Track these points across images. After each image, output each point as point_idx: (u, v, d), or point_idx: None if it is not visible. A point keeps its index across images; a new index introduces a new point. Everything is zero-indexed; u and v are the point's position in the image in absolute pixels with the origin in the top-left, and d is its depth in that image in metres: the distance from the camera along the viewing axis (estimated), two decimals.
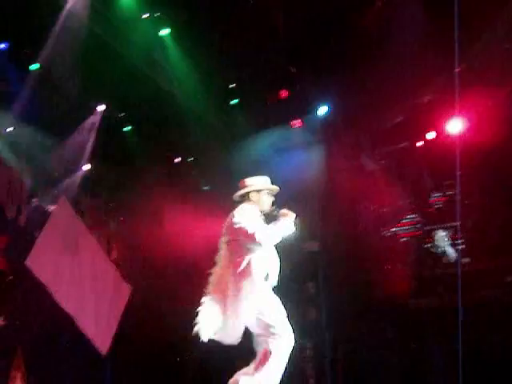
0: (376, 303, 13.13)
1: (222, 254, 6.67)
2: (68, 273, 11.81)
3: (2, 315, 10.66)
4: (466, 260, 13.09)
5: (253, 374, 6.47)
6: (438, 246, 13.60)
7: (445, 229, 13.57)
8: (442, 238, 13.61)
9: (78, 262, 12.09)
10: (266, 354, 6.44)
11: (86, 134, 12.69)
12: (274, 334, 6.43)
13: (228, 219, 6.65)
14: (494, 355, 12.21)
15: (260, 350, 6.53)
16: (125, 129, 13.68)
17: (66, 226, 12.02)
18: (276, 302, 6.63)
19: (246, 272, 6.36)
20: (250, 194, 6.69)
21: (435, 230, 13.66)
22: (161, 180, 13.69)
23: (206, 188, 14.64)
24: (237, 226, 6.38)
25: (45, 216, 11.89)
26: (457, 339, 10.85)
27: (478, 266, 12.73)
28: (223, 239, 6.69)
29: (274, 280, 6.63)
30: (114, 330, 12.49)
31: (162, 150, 14.14)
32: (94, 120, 12.65)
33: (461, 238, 13.27)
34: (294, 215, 6.64)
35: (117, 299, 12.84)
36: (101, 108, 12.72)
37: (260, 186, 6.77)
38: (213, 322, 6.53)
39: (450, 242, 13.54)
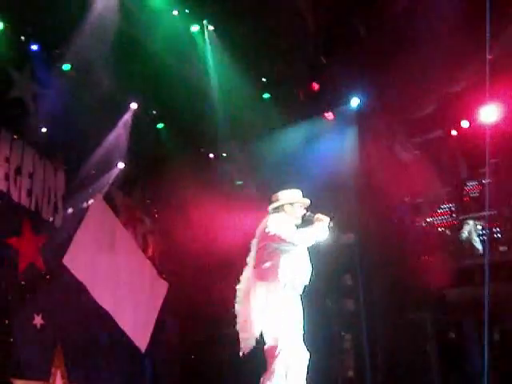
0: (413, 294, 13.06)
1: (252, 255, 6.78)
2: (105, 270, 11.89)
3: (41, 313, 10.75)
4: (503, 249, 12.96)
5: None
6: (465, 237, 13.51)
7: (477, 218, 13.46)
8: (470, 228, 13.51)
9: (115, 260, 12.17)
10: (269, 371, 6.44)
11: (120, 132, 12.74)
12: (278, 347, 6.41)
13: (261, 225, 6.80)
14: None
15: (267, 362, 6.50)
16: (158, 126, 13.71)
17: (101, 224, 12.11)
18: (294, 315, 6.60)
19: (268, 274, 6.53)
20: (284, 207, 6.87)
21: (465, 219, 13.56)
22: (195, 176, 13.71)
23: (239, 183, 14.64)
24: (270, 231, 6.54)
25: (81, 214, 11.96)
26: (488, 329, 10.80)
27: None
28: (254, 242, 6.81)
29: (300, 287, 6.70)
30: (152, 327, 12.56)
31: (195, 146, 14.17)
32: (127, 118, 12.71)
33: (497, 227, 13.15)
34: (328, 219, 6.81)
35: (154, 296, 12.92)
36: (134, 106, 12.76)
37: (292, 200, 6.94)
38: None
39: (477, 233, 13.44)
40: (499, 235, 13.24)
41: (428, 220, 14.17)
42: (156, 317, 12.82)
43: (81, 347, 11.10)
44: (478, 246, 13.39)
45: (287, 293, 6.56)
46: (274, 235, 6.50)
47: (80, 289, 11.23)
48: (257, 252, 6.68)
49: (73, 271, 11.08)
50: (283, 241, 6.49)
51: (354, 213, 13.22)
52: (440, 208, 14.06)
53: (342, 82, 12.89)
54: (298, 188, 7.19)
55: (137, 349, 12.28)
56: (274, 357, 6.41)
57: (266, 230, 6.56)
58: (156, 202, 14.12)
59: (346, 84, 12.90)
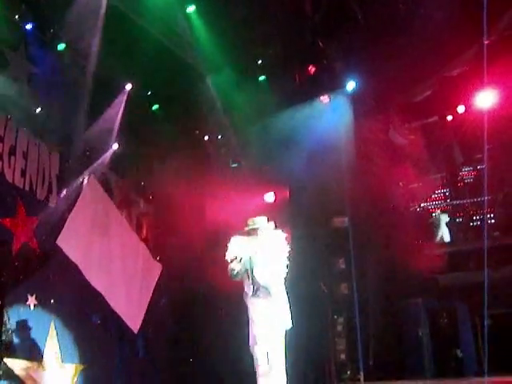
0: (406, 278, 13.10)
1: None
2: (98, 251, 11.86)
3: (35, 294, 10.74)
4: (496, 234, 13.01)
5: None
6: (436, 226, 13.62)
7: (471, 204, 13.54)
8: (439, 219, 13.62)
9: (108, 241, 12.13)
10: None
11: (114, 112, 12.68)
12: None
13: None
14: None
15: None
16: (153, 107, 13.65)
17: (95, 205, 12.06)
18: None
19: None
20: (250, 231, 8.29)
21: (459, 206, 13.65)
22: (189, 158, 13.68)
23: (234, 165, 14.61)
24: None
25: (75, 195, 11.91)
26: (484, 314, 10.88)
27: (507, 239, 12.65)
28: None
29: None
30: (145, 308, 12.56)
31: (190, 128, 14.13)
32: (121, 99, 12.63)
33: (490, 213, 13.19)
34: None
35: (147, 277, 12.91)
36: (128, 86, 12.69)
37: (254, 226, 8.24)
38: None
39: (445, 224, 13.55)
40: (492, 220, 13.29)
41: (422, 205, 14.20)
42: (149, 298, 12.81)
43: (74, 328, 11.09)
44: (445, 235, 13.54)
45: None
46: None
47: (73, 270, 11.20)
48: None
49: (66, 252, 11.03)
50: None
51: (348, 197, 13.23)
52: (434, 193, 14.09)
53: (338, 66, 12.87)
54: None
55: (130, 329, 12.27)
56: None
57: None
58: (150, 184, 14.07)
59: (342, 67, 12.87)
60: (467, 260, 13.23)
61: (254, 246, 8.10)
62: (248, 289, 8.07)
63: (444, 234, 13.82)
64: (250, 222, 8.27)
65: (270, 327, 7.77)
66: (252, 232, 8.19)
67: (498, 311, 12.39)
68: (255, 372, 7.79)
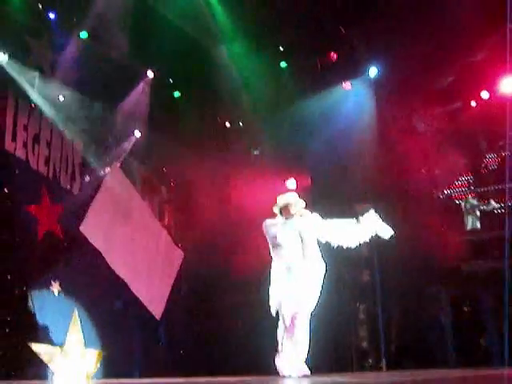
0: (429, 266, 13.02)
1: None
2: (121, 238, 11.94)
3: (58, 281, 10.85)
4: None
5: None
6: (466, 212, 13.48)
7: (494, 192, 13.39)
8: (472, 206, 13.48)
9: (131, 228, 12.21)
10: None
11: (137, 100, 12.72)
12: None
13: None
14: None
15: None
16: (175, 94, 13.68)
17: (118, 192, 12.13)
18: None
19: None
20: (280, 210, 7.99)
21: (483, 193, 13.50)
22: (211, 145, 13.70)
23: (256, 152, 14.61)
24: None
25: (98, 183, 12.00)
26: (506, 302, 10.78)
27: None
28: None
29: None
30: (167, 294, 12.64)
31: (212, 115, 14.14)
32: (143, 86, 12.68)
33: None
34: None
35: (169, 264, 12.98)
36: (150, 74, 12.72)
37: (285, 203, 7.94)
38: None
39: (478, 209, 13.41)
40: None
41: (445, 192, 14.09)
42: (171, 285, 12.88)
43: (96, 313, 11.18)
44: (476, 222, 13.40)
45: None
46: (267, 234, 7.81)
47: (96, 256, 11.29)
48: None
49: (89, 239, 11.13)
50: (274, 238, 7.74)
51: (371, 183, 13.16)
52: (458, 180, 13.97)
53: (361, 52, 12.79)
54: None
55: (152, 316, 12.35)
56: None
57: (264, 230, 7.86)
58: (172, 171, 14.11)
59: (364, 54, 12.79)
60: (491, 248, 13.12)
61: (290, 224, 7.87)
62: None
63: (475, 220, 13.64)
64: (280, 199, 7.99)
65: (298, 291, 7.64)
66: (284, 210, 7.91)
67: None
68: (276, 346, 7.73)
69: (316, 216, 7.87)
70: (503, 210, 13.45)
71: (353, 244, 7.95)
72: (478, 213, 13.62)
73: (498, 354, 13.03)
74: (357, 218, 7.84)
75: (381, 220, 7.91)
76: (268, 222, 7.84)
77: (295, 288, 7.61)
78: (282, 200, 7.92)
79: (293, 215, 7.81)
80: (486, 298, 13.45)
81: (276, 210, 7.94)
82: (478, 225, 13.65)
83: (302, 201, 7.98)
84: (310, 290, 7.67)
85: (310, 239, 7.76)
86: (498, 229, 13.17)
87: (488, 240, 13.29)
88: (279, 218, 7.88)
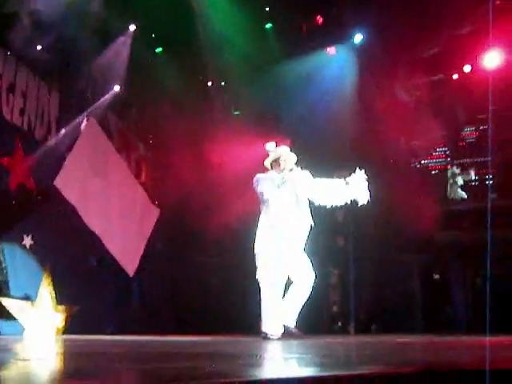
0: (402, 233, 13.14)
1: None
2: (96, 194, 11.81)
3: (31, 234, 10.76)
4: (493, 195, 13.02)
5: None
6: (449, 183, 13.56)
7: (471, 164, 13.48)
8: (453, 174, 13.55)
9: (107, 184, 12.09)
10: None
11: (117, 53, 12.51)
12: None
13: None
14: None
15: None
16: (156, 50, 13.49)
17: (94, 147, 11.97)
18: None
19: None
20: (272, 163, 7.95)
21: (459, 165, 13.58)
22: (191, 103, 13.56)
23: (237, 112, 14.51)
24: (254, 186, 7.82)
25: (74, 136, 11.83)
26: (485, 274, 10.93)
27: (505, 201, 12.64)
28: None
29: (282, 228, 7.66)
30: (141, 251, 12.60)
31: (193, 73, 13.98)
32: (124, 40, 12.46)
33: (490, 173, 13.17)
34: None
35: (145, 221, 12.91)
36: (132, 28, 12.51)
37: (277, 156, 7.90)
38: None
39: (461, 181, 13.49)
40: (490, 182, 13.29)
41: (423, 162, 14.16)
42: (146, 242, 12.84)
43: (69, 269, 11.13)
44: (461, 193, 13.48)
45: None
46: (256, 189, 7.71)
47: (70, 211, 11.19)
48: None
49: (63, 193, 10.99)
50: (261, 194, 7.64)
51: (350, 150, 13.17)
52: (435, 151, 14.03)
53: (347, 18, 12.69)
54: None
55: (125, 273, 12.34)
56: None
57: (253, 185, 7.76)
58: (151, 128, 13.98)
59: (350, 20, 12.70)
60: (464, 219, 13.27)
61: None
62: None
63: (456, 190, 13.68)
64: (269, 147, 7.97)
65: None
66: (275, 164, 7.85)
67: (489, 271, 12.44)
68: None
69: (307, 173, 7.79)
70: (478, 183, 13.57)
71: (339, 203, 7.90)
72: (460, 182, 13.68)
73: (463, 322, 13.31)
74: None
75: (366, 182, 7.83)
76: (259, 176, 7.74)
77: (284, 248, 7.54)
78: (273, 153, 7.84)
79: (284, 170, 7.72)
80: (455, 269, 13.65)
81: (267, 163, 7.86)
82: (460, 194, 13.71)
83: (293, 155, 7.89)
84: (298, 249, 7.65)
85: (302, 196, 7.68)
86: (471, 201, 13.34)
87: (462, 211, 13.43)
88: (271, 173, 7.79)
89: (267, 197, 7.57)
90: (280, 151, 7.84)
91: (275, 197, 7.56)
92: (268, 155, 8.03)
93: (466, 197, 13.57)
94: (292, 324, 7.58)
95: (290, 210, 7.60)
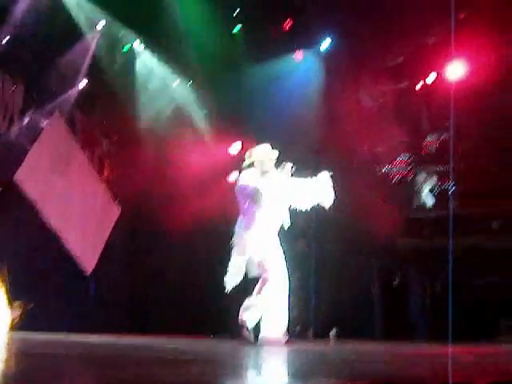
0: (363, 238, 13.22)
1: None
2: (57, 190, 11.73)
3: None
4: (455, 203, 13.16)
5: None
6: (417, 189, 13.68)
7: (433, 172, 13.61)
8: (422, 181, 13.67)
9: (68, 180, 12.00)
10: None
11: (84, 49, 12.43)
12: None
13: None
14: (477, 297, 12.47)
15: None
16: (124, 47, 13.42)
17: (57, 143, 11.89)
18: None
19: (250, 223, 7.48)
20: (255, 163, 7.67)
21: (421, 173, 13.71)
22: (158, 102, 13.53)
23: (204, 112, 14.49)
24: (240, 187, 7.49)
25: (37, 131, 11.72)
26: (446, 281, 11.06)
27: (465, 210, 12.80)
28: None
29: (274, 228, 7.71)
30: (99, 250, 12.52)
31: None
32: (91, 37, 12.38)
33: (451, 182, 13.31)
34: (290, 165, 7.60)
35: (105, 219, 12.84)
36: (100, 25, 12.44)
37: (262, 156, 7.66)
38: None
39: (430, 187, 13.61)
40: (453, 190, 13.43)
41: (385, 169, 14.25)
42: (105, 240, 12.76)
43: (26, 265, 11.02)
44: (429, 199, 13.58)
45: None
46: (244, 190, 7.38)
47: (30, 206, 11.09)
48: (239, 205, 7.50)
49: (24, 188, 10.90)
50: (251, 195, 7.33)
51: (314, 154, 13.24)
52: (398, 158, 14.14)
53: (314, 24, 12.75)
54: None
55: (82, 271, 12.25)
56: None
57: (238, 186, 7.46)
58: (116, 125, 13.88)
59: (317, 25, 12.76)
60: (425, 227, 13.40)
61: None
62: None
63: (426, 198, 13.78)
64: (247, 154, 7.69)
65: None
66: (258, 163, 7.57)
67: (449, 279, 12.60)
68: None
69: (285, 173, 7.63)
70: (440, 191, 13.70)
71: (306, 207, 7.78)
72: (427, 188, 13.78)
73: (422, 329, 13.44)
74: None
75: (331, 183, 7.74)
76: (245, 178, 7.45)
77: (279, 251, 7.66)
78: (255, 152, 7.60)
79: (267, 171, 7.53)
80: (414, 275, 13.78)
81: (247, 163, 7.61)
82: (428, 201, 13.80)
83: (271, 154, 7.66)
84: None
85: (286, 198, 7.60)
86: (435, 209, 13.48)
87: (423, 219, 13.56)
88: (254, 174, 7.50)
89: (261, 199, 7.38)
90: (255, 154, 7.63)
91: (267, 200, 7.42)
92: (231, 155, 8.06)
93: (432, 203, 13.66)
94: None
95: (280, 214, 7.51)
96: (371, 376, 3.35)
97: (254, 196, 7.31)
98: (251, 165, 7.54)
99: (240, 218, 7.62)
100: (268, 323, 7.29)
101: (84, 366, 3.99)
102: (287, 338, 7.48)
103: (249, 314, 7.30)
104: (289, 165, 7.57)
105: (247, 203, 7.39)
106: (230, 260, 7.68)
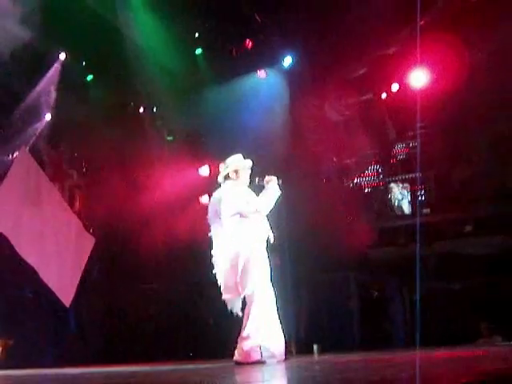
0: (338, 252, 13.26)
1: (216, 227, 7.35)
2: (29, 224, 11.66)
3: None
4: (426, 211, 13.28)
5: None
6: (392, 199, 13.79)
7: (403, 181, 13.74)
8: (396, 190, 13.78)
9: (40, 214, 11.94)
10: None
11: (48, 82, 12.43)
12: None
13: (215, 200, 7.39)
14: (447, 304, 12.56)
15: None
16: (87, 78, 13.43)
17: (27, 177, 11.83)
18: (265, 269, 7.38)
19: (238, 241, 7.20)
20: (232, 174, 7.41)
21: (391, 182, 13.83)
22: (124, 130, 13.52)
23: (170, 138, 14.51)
24: (230, 203, 7.16)
25: (5, 167, 11.67)
26: (415, 288, 11.12)
27: (437, 217, 12.92)
28: (213, 214, 7.38)
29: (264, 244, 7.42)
30: (77, 281, 12.43)
31: (125, 100, 13.95)
32: (55, 69, 12.38)
33: (421, 189, 13.44)
34: (276, 178, 7.45)
35: (80, 250, 12.75)
36: (62, 56, 12.44)
37: (238, 166, 7.46)
38: None
39: (403, 196, 13.73)
40: (423, 197, 13.57)
41: (355, 181, 14.36)
42: (81, 271, 12.68)
43: (4, 301, 10.92)
44: (403, 207, 13.69)
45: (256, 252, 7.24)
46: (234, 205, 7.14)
47: (4, 242, 11.01)
48: (223, 223, 7.25)
49: None
50: (247, 211, 7.15)
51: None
52: (367, 169, 14.25)
53: (276, 41, 12.86)
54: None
55: (61, 303, 12.15)
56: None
57: (224, 204, 7.17)
58: (84, 156, 13.86)
59: (279, 43, 12.87)
60: (397, 235, 13.49)
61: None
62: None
63: (402, 206, 13.84)
64: (223, 166, 7.45)
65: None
66: (236, 174, 7.36)
67: (426, 286, 12.72)
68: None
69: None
70: (411, 199, 13.82)
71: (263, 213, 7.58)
72: (399, 197, 13.89)
73: (401, 338, 13.50)
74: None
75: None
76: (234, 189, 7.26)
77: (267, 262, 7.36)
78: (230, 162, 7.46)
79: (246, 181, 7.40)
80: (391, 284, 13.84)
81: (223, 174, 7.42)
82: (401, 209, 13.88)
83: (249, 161, 7.55)
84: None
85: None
86: (404, 217, 13.59)
87: (396, 228, 13.66)
88: (237, 185, 7.34)
89: (251, 209, 7.19)
90: (231, 164, 7.46)
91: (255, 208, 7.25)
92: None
93: (406, 211, 13.76)
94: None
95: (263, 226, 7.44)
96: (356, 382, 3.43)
97: (244, 209, 7.17)
98: (227, 176, 7.40)
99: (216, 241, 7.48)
100: (271, 341, 7.22)
101: None
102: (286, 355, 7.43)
103: (250, 341, 7.14)
104: (274, 177, 7.47)
105: (234, 217, 7.19)
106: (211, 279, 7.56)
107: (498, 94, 11.39)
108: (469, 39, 11.49)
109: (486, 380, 3.22)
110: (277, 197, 7.36)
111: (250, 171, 7.50)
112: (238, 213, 7.14)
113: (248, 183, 7.45)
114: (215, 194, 7.48)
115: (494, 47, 11.55)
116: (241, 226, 7.16)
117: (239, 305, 7.35)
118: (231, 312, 7.41)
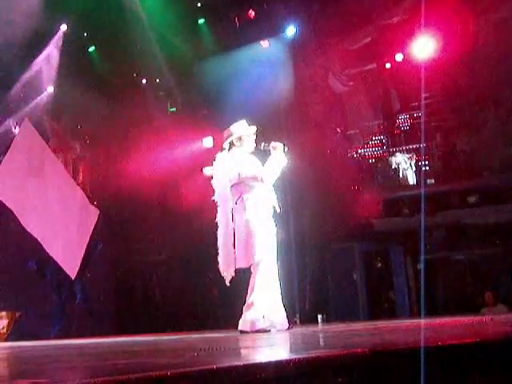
0: (342, 223, 13.27)
1: (222, 195, 7.23)
2: (33, 196, 11.64)
3: None
4: (430, 181, 13.27)
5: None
6: (394, 168, 13.76)
7: (406, 151, 13.70)
8: (399, 160, 13.74)
9: (44, 186, 11.90)
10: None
11: (50, 54, 12.36)
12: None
13: (221, 163, 7.22)
14: (452, 274, 12.59)
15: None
16: (89, 49, 13.35)
17: (30, 150, 11.79)
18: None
19: (244, 209, 7.02)
20: (237, 141, 7.18)
21: (395, 152, 13.80)
22: (127, 101, 13.47)
23: (172, 109, 14.46)
24: (240, 173, 6.99)
25: (9, 139, 11.64)
26: (420, 258, 11.16)
27: (441, 187, 12.91)
28: (220, 183, 7.23)
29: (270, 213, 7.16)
30: (82, 253, 12.43)
31: (128, 71, 13.88)
32: (57, 40, 12.31)
33: (425, 160, 13.41)
34: (282, 145, 7.17)
35: (84, 222, 12.73)
36: (63, 28, 12.35)
37: (243, 132, 7.22)
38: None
39: (406, 165, 13.69)
40: (427, 168, 13.53)
41: (359, 151, 14.33)
42: (86, 243, 12.68)
43: (9, 273, 10.96)
44: (407, 177, 13.67)
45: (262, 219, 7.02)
46: (245, 176, 6.97)
47: (8, 215, 11.01)
48: (231, 191, 7.14)
49: (0, 198, 10.83)
50: (254, 179, 6.96)
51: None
52: (371, 140, 14.21)
53: (279, 11, 12.75)
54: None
55: (67, 275, 12.18)
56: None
57: (235, 172, 7.00)
58: (87, 128, 13.81)
59: (282, 13, 12.77)
60: (402, 206, 13.48)
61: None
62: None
63: (407, 176, 13.78)
64: (227, 133, 7.21)
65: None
66: (239, 143, 7.13)
67: (430, 256, 12.74)
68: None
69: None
70: (416, 169, 13.80)
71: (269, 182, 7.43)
72: (405, 166, 13.83)
73: (405, 307, 13.56)
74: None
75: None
76: (242, 157, 7.06)
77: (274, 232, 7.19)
78: (234, 129, 7.23)
79: (252, 148, 7.21)
80: (395, 254, 13.87)
81: (228, 141, 7.20)
82: (405, 180, 13.84)
83: (254, 128, 7.33)
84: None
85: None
86: (409, 187, 13.58)
87: (401, 198, 13.64)
88: (243, 152, 7.16)
89: (261, 176, 6.94)
90: (236, 131, 7.19)
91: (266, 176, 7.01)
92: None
93: (409, 182, 13.71)
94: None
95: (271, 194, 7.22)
96: (360, 345, 3.46)
97: (258, 176, 6.96)
98: (232, 144, 7.18)
99: (222, 209, 7.42)
100: (274, 311, 7.19)
101: (79, 361, 3.99)
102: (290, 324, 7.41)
103: (254, 311, 7.10)
104: (280, 144, 7.17)
105: (247, 185, 7.02)
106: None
107: (504, 64, 11.32)
108: (475, 8, 11.39)
109: (489, 340, 3.22)
110: (282, 165, 7.18)
111: (254, 138, 7.28)
112: (255, 176, 6.96)
113: (252, 150, 7.26)
114: (220, 163, 7.25)
115: (500, 15, 11.46)
116: (249, 195, 7.00)
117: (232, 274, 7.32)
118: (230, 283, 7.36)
